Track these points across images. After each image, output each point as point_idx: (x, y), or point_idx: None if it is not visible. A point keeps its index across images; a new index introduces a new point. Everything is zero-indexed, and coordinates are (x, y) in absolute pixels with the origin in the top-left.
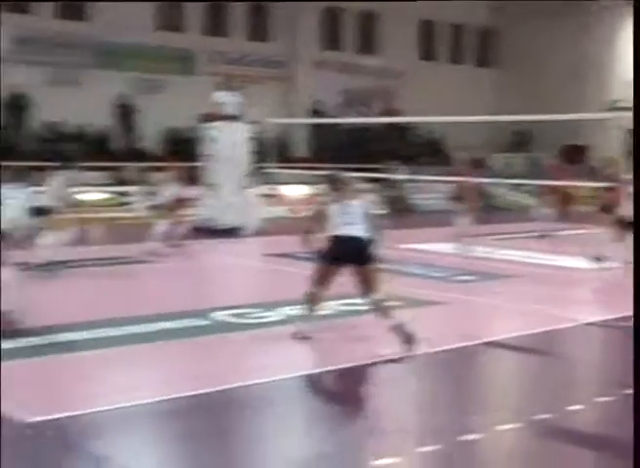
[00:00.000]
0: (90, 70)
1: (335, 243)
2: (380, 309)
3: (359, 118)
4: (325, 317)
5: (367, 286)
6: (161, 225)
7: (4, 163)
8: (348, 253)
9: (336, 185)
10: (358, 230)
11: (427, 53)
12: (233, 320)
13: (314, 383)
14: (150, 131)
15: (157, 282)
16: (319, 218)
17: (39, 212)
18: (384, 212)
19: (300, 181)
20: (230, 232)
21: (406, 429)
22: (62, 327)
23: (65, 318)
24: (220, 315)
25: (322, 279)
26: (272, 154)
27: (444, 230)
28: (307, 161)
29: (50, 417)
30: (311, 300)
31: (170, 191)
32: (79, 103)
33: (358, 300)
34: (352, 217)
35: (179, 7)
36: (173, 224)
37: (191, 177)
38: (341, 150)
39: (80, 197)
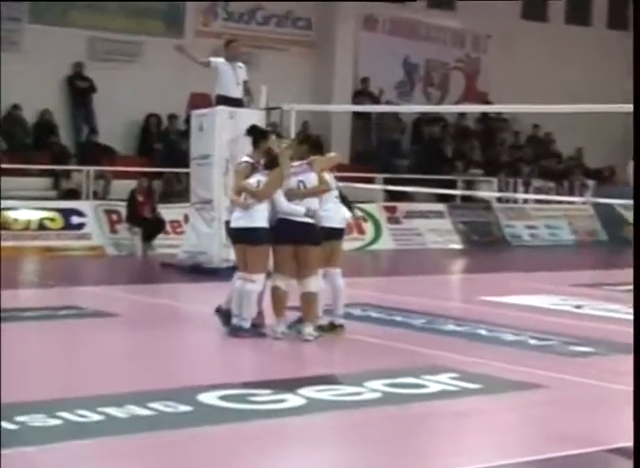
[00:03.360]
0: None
1: None
2: None
3: (429, 106)
4: None
5: None
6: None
7: None
8: None
9: None
10: None
11: (533, 9)
12: None
13: None
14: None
15: None
16: None
17: None
18: (461, 246)
19: None
20: None
21: None
22: None
23: None
24: None
25: None
26: None
27: (552, 275)
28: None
29: None
30: None
31: None
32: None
33: None
34: None
35: None
36: None
37: None
38: (398, 153)
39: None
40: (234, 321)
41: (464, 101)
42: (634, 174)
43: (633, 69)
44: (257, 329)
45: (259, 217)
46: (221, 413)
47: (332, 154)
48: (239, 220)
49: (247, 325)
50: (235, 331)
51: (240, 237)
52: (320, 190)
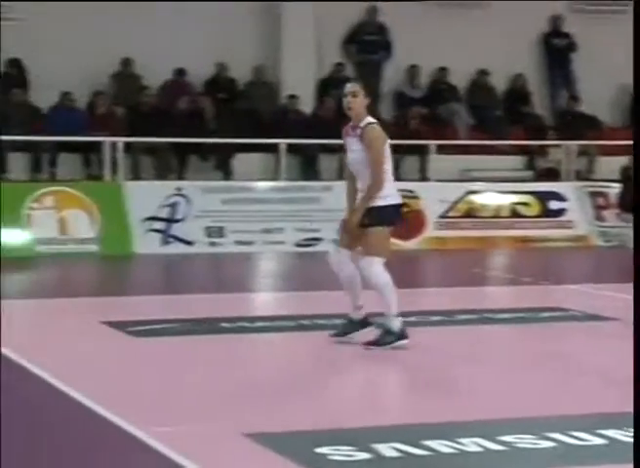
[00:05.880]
0: None
1: None
2: None
3: None
4: None
5: None
6: None
7: None
8: None
9: None
10: None
11: None
12: None
13: None
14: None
15: None
16: None
17: None
18: None
19: None
20: None
21: None
22: None
23: None
24: None
25: None
26: None
27: None
28: None
29: None
30: None
31: None
32: None
33: None
34: None
35: None
36: None
37: None
38: None
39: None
40: None
41: None
42: (634, 173)
43: (633, 69)
44: None
45: None
46: None
47: None
48: None
49: None
50: None
51: None
52: None
